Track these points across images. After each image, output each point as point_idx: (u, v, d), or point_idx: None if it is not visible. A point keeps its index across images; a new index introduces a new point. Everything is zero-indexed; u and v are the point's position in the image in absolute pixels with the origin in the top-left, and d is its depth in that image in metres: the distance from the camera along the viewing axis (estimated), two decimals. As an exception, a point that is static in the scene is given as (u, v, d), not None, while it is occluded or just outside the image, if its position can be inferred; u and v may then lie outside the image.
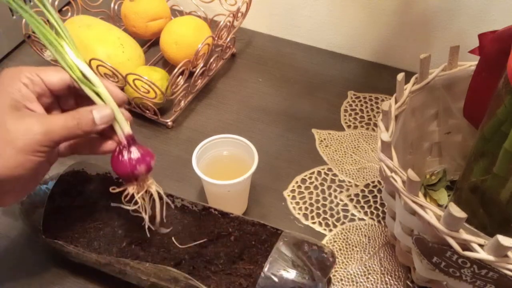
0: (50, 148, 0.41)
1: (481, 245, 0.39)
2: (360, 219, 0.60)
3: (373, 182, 0.64)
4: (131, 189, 0.45)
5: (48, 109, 0.45)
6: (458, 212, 0.37)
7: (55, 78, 0.44)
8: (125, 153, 0.44)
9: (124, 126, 0.44)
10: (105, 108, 0.43)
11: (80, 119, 0.42)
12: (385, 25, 0.77)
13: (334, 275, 0.55)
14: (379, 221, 0.60)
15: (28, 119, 0.41)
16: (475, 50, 0.50)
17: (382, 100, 0.74)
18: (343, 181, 0.64)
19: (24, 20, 0.68)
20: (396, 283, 0.55)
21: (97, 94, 0.44)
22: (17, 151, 0.39)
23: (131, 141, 0.44)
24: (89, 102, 0.44)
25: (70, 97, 0.46)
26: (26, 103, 0.42)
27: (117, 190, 0.45)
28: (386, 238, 0.58)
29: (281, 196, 0.63)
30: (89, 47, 0.68)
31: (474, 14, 0.70)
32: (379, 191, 0.63)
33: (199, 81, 0.73)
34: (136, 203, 0.46)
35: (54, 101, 0.45)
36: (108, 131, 0.45)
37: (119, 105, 0.44)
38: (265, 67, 0.80)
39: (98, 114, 0.43)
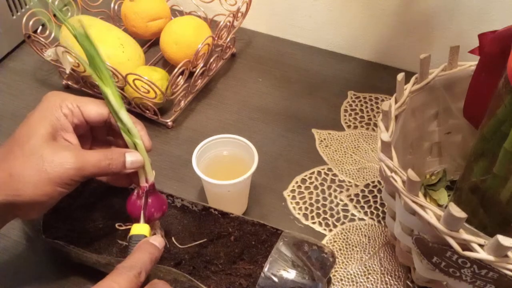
0: (79, 183, 0.43)
1: (481, 245, 0.39)
2: (360, 219, 0.60)
3: (373, 182, 0.64)
4: None
5: (81, 137, 0.46)
6: (458, 212, 0.37)
7: (94, 112, 0.45)
8: (143, 199, 0.46)
9: (149, 175, 0.46)
10: (138, 154, 0.45)
11: (112, 160, 0.43)
12: (385, 25, 0.77)
13: (334, 275, 0.55)
14: (379, 221, 0.60)
15: (64, 152, 0.42)
16: (475, 50, 0.50)
17: (382, 100, 0.74)
18: (343, 181, 0.64)
19: (24, 20, 0.68)
20: (396, 283, 0.55)
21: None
22: (48, 181, 0.41)
23: (152, 189, 0.47)
24: (120, 136, 0.46)
25: (103, 128, 0.48)
26: (63, 133, 0.43)
27: (124, 227, 0.48)
28: (386, 238, 0.58)
29: (281, 196, 0.63)
30: (89, 47, 0.68)
31: (474, 14, 0.70)
32: (379, 191, 0.63)
33: (199, 81, 0.73)
34: None
35: (87, 132, 0.47)
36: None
37: (146, 150, 0.46)
38: (265, 67, 0.80)
39: (130, 158, 0.44)
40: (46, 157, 0.41)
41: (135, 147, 0.46)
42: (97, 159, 0.43)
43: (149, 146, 0.47)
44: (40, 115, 0.43)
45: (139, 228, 0.45)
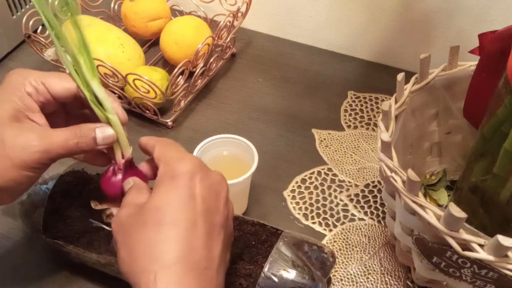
0: (47, 166, 0.40)
1: (481, 245, 0.39)
2: (360, 219, 0.60)
3: (373, 182, 0.64)
4: (115, 211, 0.45)
5: (53, 115, 0.43)
6: (458, 212, 0.37)
7: (60, 87, 0.42)
8: (120, 175, 0.43)
9: (125, 150, 0.43)
10: (109, 128, 0.41)
11: (81, 138, 0.40)
12: (385, 25, 0.77)
13: (334, 275, 0.55)
14: (379, 221, 0.60)
15: (27, 134, 0.39)
16: (475, 50, 0.50)
17: (382, 100, 0.74)
18: (343, 181, 0.64)
19: (24, 20, 0.68)
20: (396, 283, 0.54)
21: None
22: (13, 166, 0.38)
23: (129, 164, 0.43)
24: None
25: (76, 103, 0.44)
26: (28, 113, 0.40)
27: (99, 207, 0.45)
28: (386, 238, 0.58)
29: (281, 196, 0.63)
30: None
31: (474, 14, 0.70)
32: (379, 191, 0.63)
33: (199, 81, 0.73)
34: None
35: (59, 108, 0.44)
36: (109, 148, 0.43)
37: (122, 123, 0.42)
38: (265, 67, 0.80)
39: (101, 134, 0.41)
40: (8, 141, 0.38)
41: (108, 122, 0.41)
42: (64, 138, 0.39)
43: (124, 119, 0.42)
44: (1, 98, 0.40)
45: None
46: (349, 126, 0.71)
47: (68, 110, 0.45)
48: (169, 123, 0.70)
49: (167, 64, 0.78)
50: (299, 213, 0.61)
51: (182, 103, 0.71)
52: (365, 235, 0.59)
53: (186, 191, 0.37)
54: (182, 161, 0.38)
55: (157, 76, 0.67)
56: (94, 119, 0.42)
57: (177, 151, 0.40)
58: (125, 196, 0.40)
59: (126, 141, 0.43)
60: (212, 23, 0.80)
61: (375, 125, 0.71)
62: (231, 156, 0.58)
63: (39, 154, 0.38)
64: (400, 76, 0.49)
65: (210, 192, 0.38)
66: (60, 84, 0.42)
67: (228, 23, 0.72)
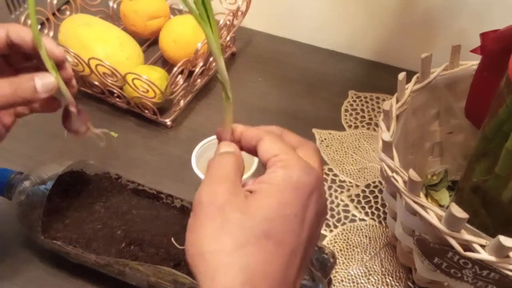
0: None
1: (482, 246, 0.38)
2: (361, 219, 0.60)
3: (374, 182, 0.64)
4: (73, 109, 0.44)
5: None
6: (459, 212, 0.37)
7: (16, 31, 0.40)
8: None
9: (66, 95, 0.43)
10: (50, 76, 0.40)
11: (19, 85, 0.39)
12: (386, 24, 0.77)
13: (334, 276, 0.55)
14: (380, 222, 0.60)
15: None
16: (476, 49, 0.50)
17: (383, 100, 0.74)
18: (344, 181, 0.64)
19: (22, 19, 0.68)
20: (397, 284, 0.54)
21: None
22: None
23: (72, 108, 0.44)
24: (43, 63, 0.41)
25: (20, 57, 0.43)
26: None
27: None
28: (387, 239, 0.58)
29: (281, 196, 0.62)
30: (88, 46, 0.68)
31: (476, 13, 0.70)
32: (380, 191, 0.63)
33: (199, 80, 0.73)
34: None
35: (2, 64, 0.43)
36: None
37: (59, 64, 0.41)
38: (265, 67, 0.79)
39: (41, 81, 0.39)
40: None
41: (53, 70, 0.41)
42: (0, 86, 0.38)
43: (59, 54, 0.41)
44: None
45: None
46: (350, 126, 0.71)
47: (11, 64, 0.43)
48: (169, 123, 0.70)
49: (166, 63, 0.77)
50: (299, 213, 0.61)
51: (182, 103, 0.71)
52: (366, 236, 0.58)
53: (300, 211, 0.32)
54: (306, 172, 0.33)
55: (156, 75, 0.67)
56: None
57: (298, 157, 0.35)
58: (220, 161, 0.38)
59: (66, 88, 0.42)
60: (212, 22, 0.80)
61: (376, 125, 0.71)
62: (231, 156, 0.58)
63: None
64: (401, 76, 0.49)
65: (316, 219, 0.34)
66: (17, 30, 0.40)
67: (228, 22, 0.72)
